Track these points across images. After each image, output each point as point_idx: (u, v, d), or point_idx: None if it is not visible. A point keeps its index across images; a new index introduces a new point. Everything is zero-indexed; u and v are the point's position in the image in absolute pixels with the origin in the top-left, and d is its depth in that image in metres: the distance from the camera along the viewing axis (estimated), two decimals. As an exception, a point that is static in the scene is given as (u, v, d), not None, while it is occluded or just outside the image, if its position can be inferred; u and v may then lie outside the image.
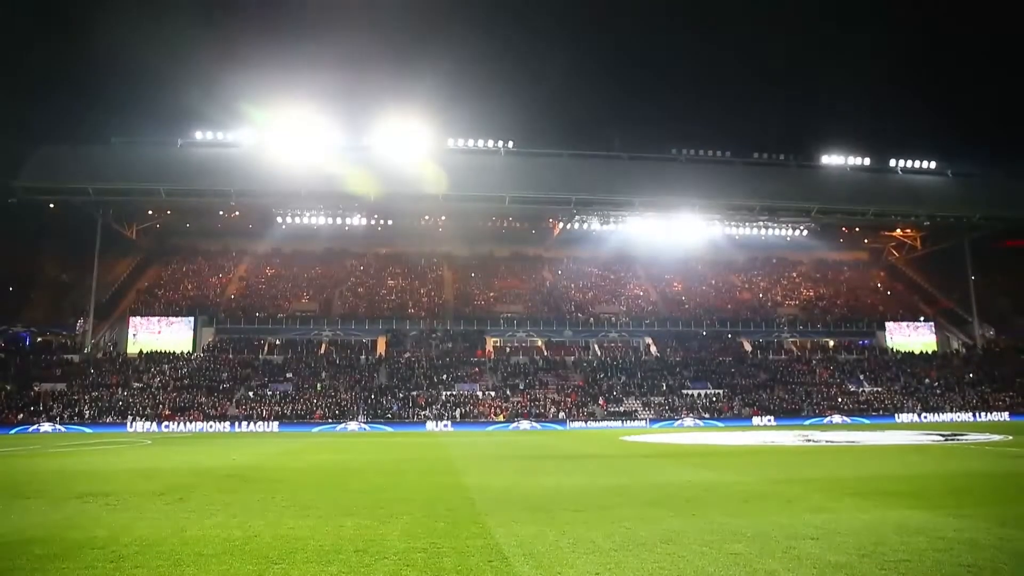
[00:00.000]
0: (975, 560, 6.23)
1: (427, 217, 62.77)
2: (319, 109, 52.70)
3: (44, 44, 66.94)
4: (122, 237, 58.13)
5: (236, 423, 43.19)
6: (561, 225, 62.49)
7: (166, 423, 42.65)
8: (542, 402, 47.47)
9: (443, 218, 62.88)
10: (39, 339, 53.51)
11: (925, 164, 60.69)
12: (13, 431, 40.40)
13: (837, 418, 46.84)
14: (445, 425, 44.00)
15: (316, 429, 42.41)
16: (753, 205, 57.79)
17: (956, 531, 7.48)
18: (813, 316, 62.31)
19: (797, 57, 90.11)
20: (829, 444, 24.36)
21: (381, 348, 54.76)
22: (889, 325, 60.65)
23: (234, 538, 7.49)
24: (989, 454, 19.04)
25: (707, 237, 61.97)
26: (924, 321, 62.39)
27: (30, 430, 41.15)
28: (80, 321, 53.69)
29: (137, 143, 53.30)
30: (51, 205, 52.92)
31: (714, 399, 49.45)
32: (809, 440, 26.89)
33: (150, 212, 59.15)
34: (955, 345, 61.50)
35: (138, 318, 53.65)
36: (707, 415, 47.12)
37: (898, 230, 67.87)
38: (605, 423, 45.38)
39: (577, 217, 59.15)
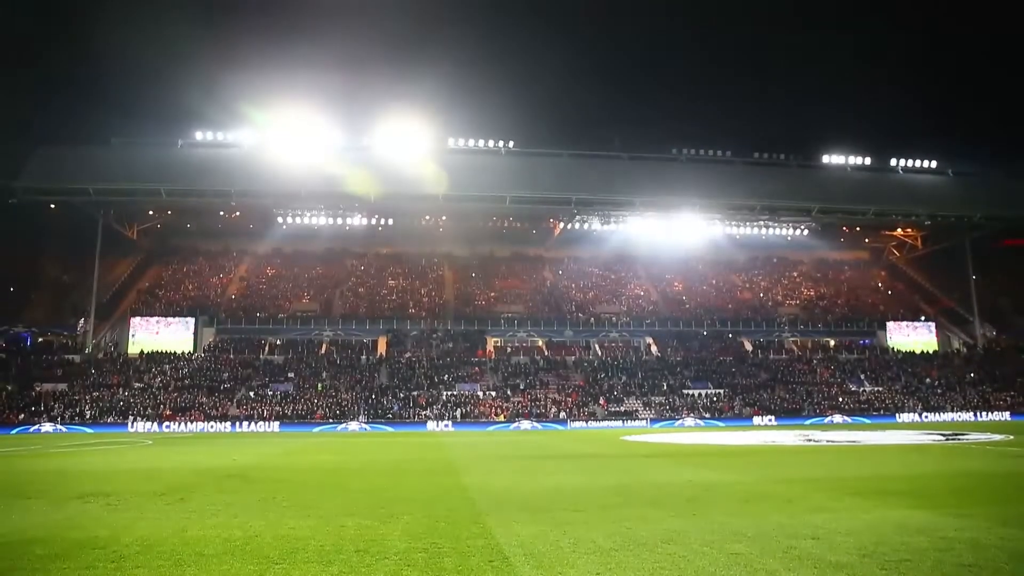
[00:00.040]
0: (976, 560, 6.23)
1: (428, 217, 62.77)
2: (319, 109, 52.74)
3: (45, 45, 67.04)
4: (123, 237, 58.14)
5: (237, 423, 43.21)
6: (562, 225, 62.49)
7: (167, 423, 42.67)
8: (543, 402, 47.47)
9: (444, 218, 62.88)
10: (40, 339, 53.55)
11: (926, 164, 60.69)
12: (14, 431, 40.42)
13: (838, 418, 46.83)
14: (446, 425, 44.01)
15: (317, 429, 42.42)
16: (754, 205, 57.78)
17: (957, 531, 7.48)
18: (814, 316, 62.29)
19: (797, 57, 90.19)
20: (830, 444, 24.36)
21: (382, 348, 54.78)
22: (890, 325, 60.62)
23: (235, 538, 7.49)
24: (990, 454, 19.04)
25: (708, 237, 61.95)
26: (925, 321, 62.37)
27: (31, 430, 41.18)
28: (81, 321, 53.72)
29: (137, 143, 53.28)
30: (52, 206, 52.98)
31: (715, 399, 49.44)
32: (810, 440, 26.89)
33: (151, 212, 59.17)
34: (956, 345, 61.47)
35: (139, 318, 53.67)
36: (708, 415, 47.11)
37: (899, 230, 67.84)
38: (606, 423, 45.38)
39: (578, 217, 59.14)
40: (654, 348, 56.98)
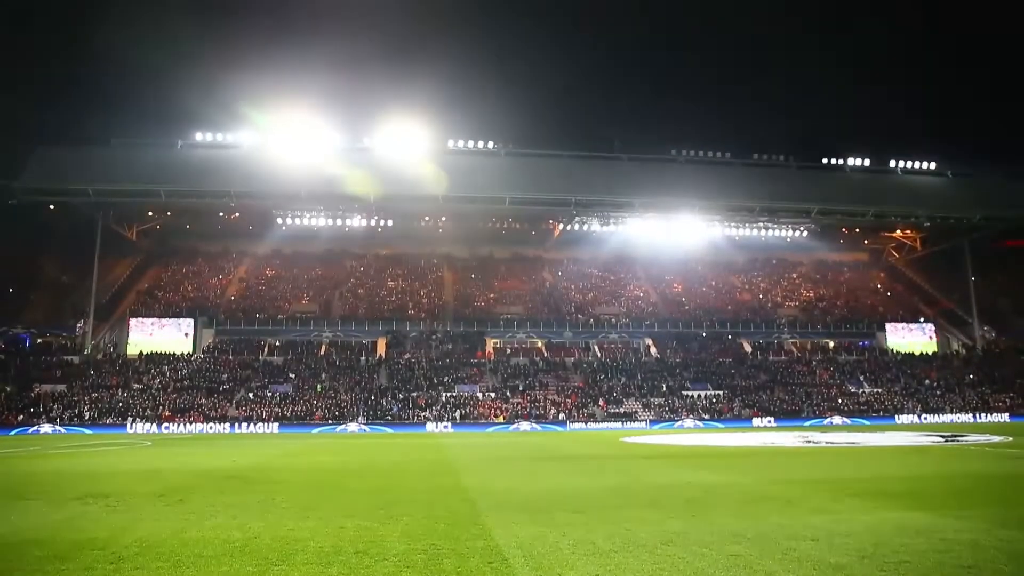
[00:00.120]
0: (976, 561, 6.23)
1: (427, 218, 62.76)
2: (319, 110, 52.75)
3: (45, 45, 67.04)
4: (122, 238, 58.12)
5: (236, 424, 43.18)
6: (561, 226, 62.50)
7: (166, 424, 42.64)
8: (542, 403, 47.46)
9: (443, 219, 62.88)
10: (39, 340, 53.52)
11: (925, 165, 60.70)
12: (13, 432, 40.37)
13: (837, 419, 46.83)
14: (445, 426, 43.99)
15: (316, 430, 42.39)
16: (753, 206, 57.81)
17: (957, 532, 7.48)
18: (813, 317, 62.32)
19: (797, 57, 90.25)
20: (829, 445, 24.36)
21: (381, 349, 54.77)
22: (889, 326, 60.66)
23: (234, 539, 7.49)
24: (989, 455, 19.04)
25: (707, 238, 61.95)
26: (924, 322, 62.40)
27: (30, 431, 41.14)
28: (80, 322, 53.70)
29: (137, 144, 53.21)
30: (51, 206, 52.91)
31: (714, 400, 49.45)
32: (809, 441, 26.89)
33: (150, 213, 59.12)
34: (955, 346, 61.50)
35: (138, 319, 53.66)
36: (707, 416, 47.11)
37: (898, 231, 67.88)
38: (605, 424, 45.37)
39: (577, 218, 59.15)
40: (653, 349, 56.98)
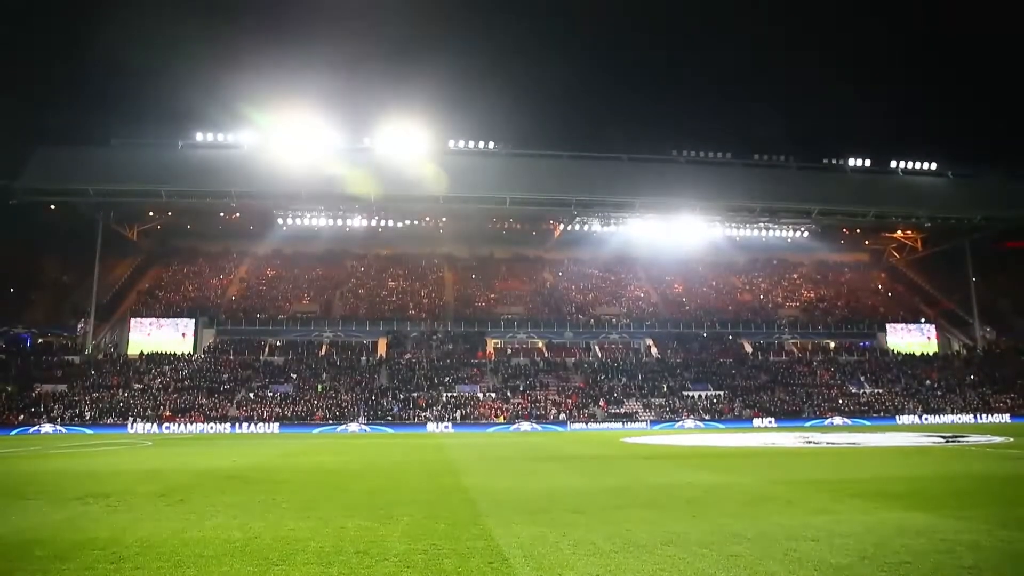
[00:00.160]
0: (976, 562, 6.23)
1: (428, 218, 62.76)
2: (320, 110, 52.76)
3: (45, 45, 67.08)
4: (123, 238, 58.14)
5: (237, 424, 43.19)
6: (561, 226, 62.50)
7: (167, 424, 42.65)
8: (543, 403, 47.46)
9: (444, 219, 62.89)
10: (40, 340, 53.55)
11: (926, 165, 60.65)
12: (14, 432, 40.39)
13: (838, 420, 46.81)
14: (446, 426, 44.00)
15: (317, 430, 42.40)
16: (753, 206, 57.80)
17: (957, 533, 7.47)
18: (814, 318, 62.30)
19: (797, 57, 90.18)
20: (830, 446, 24.35)
21: (382, 349, 54.78)
22: (890, 326, 60.63)
23: (235, 539, 7.49)
24: (990, 456, 19.03)
25: (708, 238, 61.92)
26: (925, 322, 62.37)
27: (31, 431, 41.16)
28: (81, 322, 53.72)
29: (138, 144, 53.23)
30: (52, 207, 52.96)
31: (715, 401, 49.43)
32: (810, 442, 26.87)
33: (151, 213, 59.15)
34: (956, 346, 61.47)
35: (139, 319, 53.68)
36: (708, 417, 47.09)
37: (899, 231, 67.86)
38: (606, 424, 45.37)
39: (577, 218, 59.14)
40: (654, 350, 56.98)
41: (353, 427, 43.38)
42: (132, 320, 53.65)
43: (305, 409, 45.35)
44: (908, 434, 31.57)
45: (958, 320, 63.73)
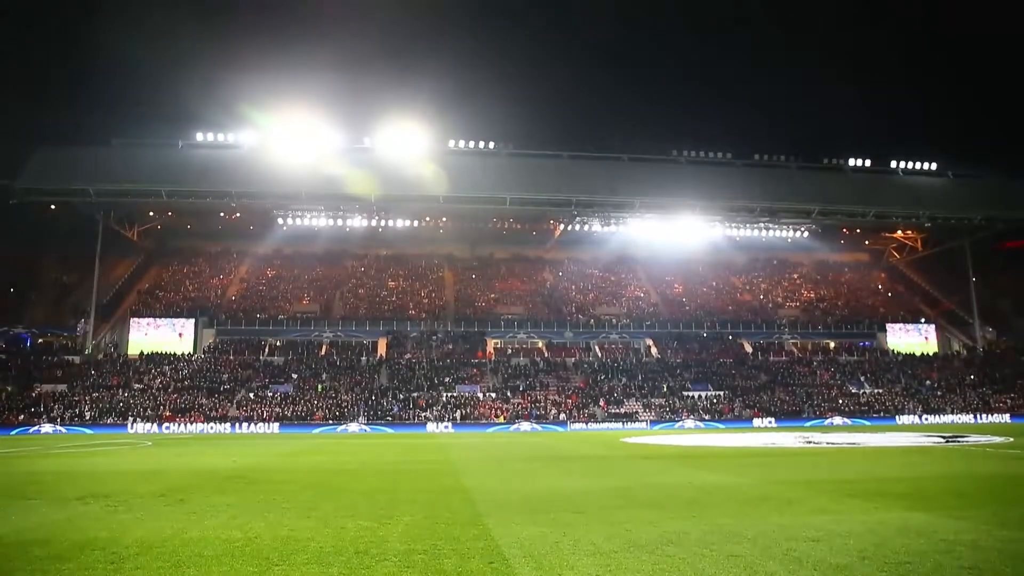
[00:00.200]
0: (976, 562, 6.22)
1: (428, 218, 62.73)
2: (320, 110, 52.83)
3: (45, 46, 67.08)
4: (123, 238, 58.15)
5: (237, 424, 43.20)
6: (562, 227, 62.48)
7: (167, 424, 42.65)
8: (543, 403, 47.46)
9: (444, 219, 62.88)
10: (40, 340, 53.57)
11: (926, 165, 60.66)
12: (14, 432, 40.41)
13: (838, 420, 46.82)
14: (446, 426, 44.00)
15: (317, 430, 42.40)
16: (754, 206, 57.78)
17: (957, 533, 7.47)
18: (814, 318, 62.30)
19: (797, 57, 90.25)
20: (830, 446, 24.35)
21: (382, 349, 54.78)
22: (890, 327, 60.64)
23: (235, 539, 7.49)
24: (990, 456, 19.03)
25: (708, 238, 61.89)
26: (925, 323, 62.38)
27: (31, 431, 41.18)
28: (81, 322, 53.73)
29: (138, 144, 53.23)
30: (52, 207, 52.97)
31: (715, 401, 49.44)
32: (810, 442, 26.87)
33: (151, 213, 59.18)
34: (956, 347, 61.48)
35: (139, 319, 53.70)
36: (708, 417, 47.10)
37: (899, 232, 67.86)
38: (606, 424, 45.37)
39: (578, 219, 59.11)
40: (654, 350, 56.98)
41: (353, 427, 43.38)
42: (132, 320, 53.67)
43: (305, 409, 45.35)
44: (908, 434, 31.57)
45: (958, 320, 63.73)
